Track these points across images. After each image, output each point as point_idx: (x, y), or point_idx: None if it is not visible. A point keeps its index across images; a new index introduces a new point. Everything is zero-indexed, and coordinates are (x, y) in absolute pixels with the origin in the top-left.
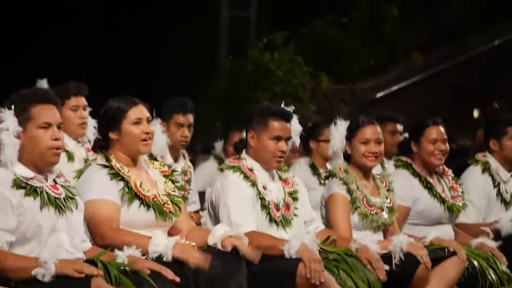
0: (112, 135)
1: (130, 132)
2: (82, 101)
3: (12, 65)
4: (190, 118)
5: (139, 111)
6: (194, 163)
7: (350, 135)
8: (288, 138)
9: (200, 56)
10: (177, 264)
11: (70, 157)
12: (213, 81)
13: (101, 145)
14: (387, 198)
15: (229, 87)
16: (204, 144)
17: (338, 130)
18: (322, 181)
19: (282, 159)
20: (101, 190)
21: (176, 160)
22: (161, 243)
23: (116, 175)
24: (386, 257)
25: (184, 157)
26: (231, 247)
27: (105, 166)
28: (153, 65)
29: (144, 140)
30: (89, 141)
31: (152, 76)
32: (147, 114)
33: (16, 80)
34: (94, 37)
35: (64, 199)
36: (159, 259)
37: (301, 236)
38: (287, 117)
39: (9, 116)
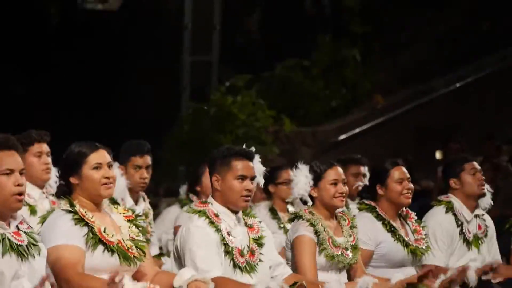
0: (73, 180)
1: (90, 176)
2: (45, 147)
3: None
4: (148, 159)
5: (99, 156)
6: (157, 206)
7: (317, 178)
8: (252, 177)
9: (163, 100)
10: None
11: (33, 210)
12: (176, 125)
13: (64, 191)
14: (350, 236)
15: (192, 131)
16: (167, 188)
17: (302, 174)
18: (282, 225)
19: (249, 198)
20: (65, 236)
21: (136, 202)
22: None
23: (80, 220)
24: None
25: (144, 199)
26: None
27: (69, 212)
28: (117, 110)
29: (105, 184)
30: (53, 194)
31: (115, 121)
32: (108, 159)
33: None
34: (57, 84)
35: (26, 245)
36: None
37: (267, 282)
38: (249, 156)
39: None
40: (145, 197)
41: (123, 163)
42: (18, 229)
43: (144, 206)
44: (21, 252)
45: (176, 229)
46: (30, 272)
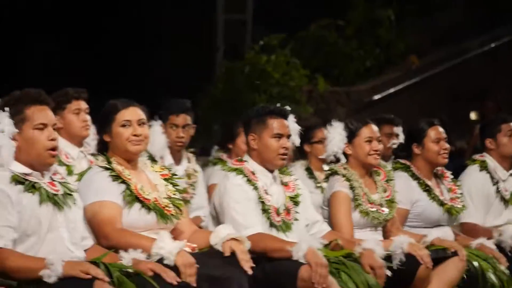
0: (106, 138)
1: (118, 134)
2: (83, 104)
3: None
4: (185, 118)
5: (129, 113)
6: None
7: (352, 135)
8: (288, 136)
9: (197, 59)
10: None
11: (70, 171)
12: (210, 84)
13: (101, 148)
14: (385, 191)
15: (226, 90)
16: (202, 147)
17: (336, 132)
18: (318, 184)
19: (286, 156)
20: (103, 192)
21: (178, 162)
22: (166, 247)
23: (117, 177)
24: (387, 257)
25: (189, 160)
26: (229, 252)
27: (106, 168)
28: (153, 71)
29: (133, 141)
30: (92, 154)
31: (153, 82)
32: (139, 116)
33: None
34: (91, 42)
35: (62, 195)
36: (161, 261)
37: (308, 240)
38: (284, 115)
39: (3, 118)
40: (191, 157)
41: (163, 122)
42: (52, 180)
43: (187, 166)
44: (57, 202)
45: (210, 187)
46: (66, 222)
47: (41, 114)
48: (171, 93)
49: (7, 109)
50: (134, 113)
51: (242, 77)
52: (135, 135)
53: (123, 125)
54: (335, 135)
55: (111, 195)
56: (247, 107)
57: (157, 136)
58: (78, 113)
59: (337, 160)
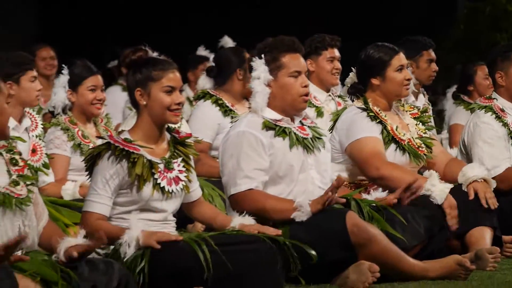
0: (375, 81)
1: (393, 78)
2: (337, 52)
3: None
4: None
5: (401, 58)
6: (435, 103)
7: None
8: None
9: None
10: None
11: (319, 112)
12: (452, 25)
13: (359, 89)
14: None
15: (468, 30)
16: (444, 86)
17: None
18: None
19: None
20: (365, 129)
21: (416, 98)
22: (436, 186)
23: (374, 117)
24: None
25: (424, 95)
26: (473, 195)
27: (364, 109)
28: (392, 13)
29: (405, 85)
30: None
31: (391, 24)
32: (405, 61)
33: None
34: None
35: (311, 139)
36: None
37: None
38: None
39: (260, 65)
40: (425, 93)
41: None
42: (302, 124)
43: (424, 101)
44: (307, 145)
45: (453, 127)
46: (316, 164)
47: (296, 62)
48: (411, 32)
49: (262, 56)
50: (402, 58)
51: (483, 17)
52: (407, 79)
53: (399, 69)
54: None
55: (373, 132)
56: (489, 47)
57: None
58: (332, 61)
59: None
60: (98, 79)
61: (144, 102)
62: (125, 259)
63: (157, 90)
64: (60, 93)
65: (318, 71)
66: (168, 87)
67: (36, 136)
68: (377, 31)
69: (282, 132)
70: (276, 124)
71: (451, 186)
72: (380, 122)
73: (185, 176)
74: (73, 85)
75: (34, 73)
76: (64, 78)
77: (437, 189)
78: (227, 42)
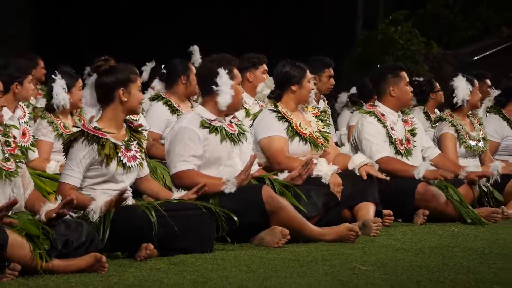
0: (294, 88)
1: (307, 87)
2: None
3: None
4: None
5: (309, 73)
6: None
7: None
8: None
9: (342, 29)
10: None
11: (247, 113)
12: (352, 47)
13: (278, 94)
14: (480, 130)
15: (364, 52)
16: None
17: (461, 82)
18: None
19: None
20: (273, 129)
21: (318, 102)
22: (324, 169)
23: (282, 117)
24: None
25: (324, 100)
26: (365, 175)
27: (274, 111)
28: (312, 34)
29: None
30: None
31: (310, 44)
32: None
33: None
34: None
35: (237, 134)
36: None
37: (426, 164)
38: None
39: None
40: (325, 99)
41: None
42: (231, 122)
43: (324, 105)
44: (234, 139)
45: (351, 128)
46: (240, 153)
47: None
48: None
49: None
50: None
51: (376, 42)
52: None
53: (309, 81)
54: (462, 86)
55: (279, 131)
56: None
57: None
58: (265, 73)
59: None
60: (81, 82)
61: (125, 99)
62: (92, 222)
63: (135, 89)
64: (61, 94)
65: (255, 81)
66: (140, 87)
67: (25, 123)
68: (297, 51)
69: (214, 129)
70: (211, 124)
71: (336, 168)
72: (287, 120)
73: (139, 155)
74: (68, 87)
75: (31, 76)
76: (61, 81)
77: (324, 171)
78: (195, 49)
